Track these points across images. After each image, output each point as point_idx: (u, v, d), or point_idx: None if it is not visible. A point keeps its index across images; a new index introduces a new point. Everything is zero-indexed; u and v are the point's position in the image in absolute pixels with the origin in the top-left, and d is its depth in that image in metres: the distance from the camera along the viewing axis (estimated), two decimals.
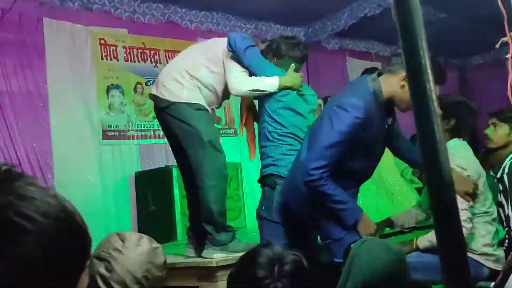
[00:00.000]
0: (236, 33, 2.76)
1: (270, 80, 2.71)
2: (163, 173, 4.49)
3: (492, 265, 2.50)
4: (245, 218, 4.89)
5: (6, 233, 0.41)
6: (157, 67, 5.11)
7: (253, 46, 2.77)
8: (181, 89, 2.73)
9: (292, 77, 2.74)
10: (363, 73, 2.66)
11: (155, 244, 1.43)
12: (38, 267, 0.42)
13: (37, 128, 4.31)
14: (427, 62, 0.73)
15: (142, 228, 4.55)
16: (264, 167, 2.78)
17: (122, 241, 1.38)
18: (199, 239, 2.73)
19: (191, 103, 2.72)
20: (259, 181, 2.85)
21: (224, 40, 2.86)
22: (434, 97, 0.72)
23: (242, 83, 2.71)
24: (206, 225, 2.64)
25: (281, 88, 2.70)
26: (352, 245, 1.65)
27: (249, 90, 2.74)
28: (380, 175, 4.14)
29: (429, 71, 0.72)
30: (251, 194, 5.45)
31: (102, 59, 4.77)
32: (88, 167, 4.45)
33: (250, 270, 1.13)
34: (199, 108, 2.74)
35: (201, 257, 2.65)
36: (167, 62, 5.16)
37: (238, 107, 5.59)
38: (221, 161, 2.72)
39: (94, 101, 4.67)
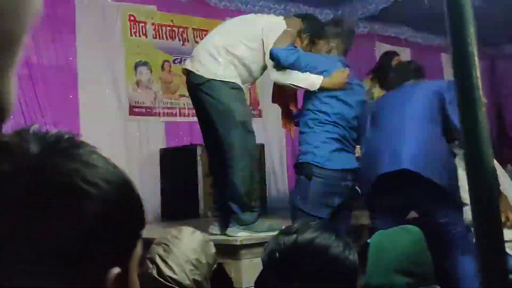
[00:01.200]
0: (277, 48, 2.65)
1: (314, 79, 2.69)
2: (187, 151, 4.54)
3: None
4: (267, 200, 4.91)
5: (73, 198, 0.43)
6: (184, 45, 5.12)
7: (297, 58, 2.68)
8: (217, 65, 2.71)
9: (337, 78, 2.71)
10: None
11: (207, 238, 1.62)
12: (101, 231, 0.44)
13: (66, 101, 4.39)
14: (474, 49, 0.72)
15: (166, 204, 4.63)
16: (302, 153, 2.78)
17: (179, 230, 1.59)
18: (224, 217, 2.77)
19: (227, 81, 2.70)
20: (294, 167, 2.86)
21: (265, 17, 2.83)
22: (480, 85, 0.71)
23: (285, 75, 2.70)
24: (232, 204, 2.66)
25: (322, 89, 2.69)
26: (369, 241, 1.65)
27: (289, 83, 2.73)
28: None
29: (476, 59, 0.72)
30: (273, 175, 5.47)
31: (131, 35, 4.80)
32: (115, 142, 4.51)
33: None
34: (234, 87, 2.72)
35: (225, 235, 2.69)
36: (195, 41, 5.18)
37: (263, 89, 5.57)
38: (252, 142, 2.73)
39: (122, 77, 4.71)
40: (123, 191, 0.47)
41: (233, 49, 2.73)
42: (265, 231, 2.55)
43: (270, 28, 2.73)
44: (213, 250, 1.59)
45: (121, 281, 0.46)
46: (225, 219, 2.75)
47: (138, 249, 0.49)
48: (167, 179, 4.67)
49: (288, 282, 1.12)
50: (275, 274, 1.16)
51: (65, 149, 0.45)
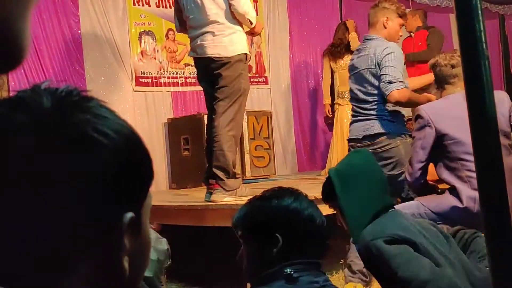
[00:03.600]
0: None
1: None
2: (195, 120, 4.55)
3: None
4: (275, 166, 4.95)
5: (86, 147, 0.45)
6: None
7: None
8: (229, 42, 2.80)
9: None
10: None
11: (160, 236, 1.58)
12: (113, 178, 0.46)
13: (72, 73, 4.39)
14: (478, 2, 0.72)
15: (175, 173, 4.68)
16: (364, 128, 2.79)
17: None
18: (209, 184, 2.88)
19: (241, 53, 2.81)
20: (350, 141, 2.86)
21: None
22: (483, 38, 0.70)
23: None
24: (218, 171, 2.75)
25: None
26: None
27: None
28: None
29: (480, 11, 0.71)
30: (280, 142, 5.50)
31: (134, 4, 4.75)
32: (122, 113, 4.50)
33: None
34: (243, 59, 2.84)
35: (211, 201, 2.79)
36: None
37: (268, 55, 5.53)
38: (242, 113, 2.84)
39: (127, 47, 4.70)
40: (132, 141, 0.49)
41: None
42: (247, 195, 2.61)
43: None
44: (165, 247, 1.56)
45: (135, 226, 0.48)
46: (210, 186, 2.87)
47: (149, 200, 0.51)
48: (175, 148, 4.70)
49: (271, 242, 1.24)
50: (256, 236, 1.28)
51: (76, 102, 0.47)
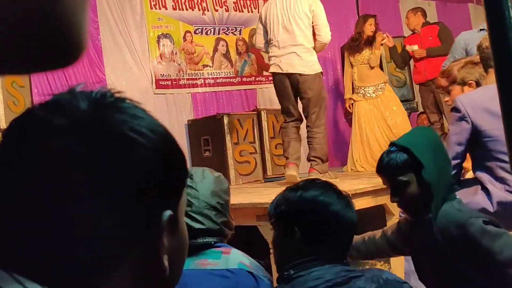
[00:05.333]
0: None
1: None
2: (215, 121, 4.57)
3: None
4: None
5: (124, 146, 0.46)
6: (204, 15, 5.09)
7: None
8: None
9: None
10: None
11: (217, 173, 1.52)
12: (152, 175, 0.47)
13: (93, 79, 4.46)
14: None
15: None
16: None
17: (190, 178, 1.46)
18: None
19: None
20: None
21: None
22: None
23: None
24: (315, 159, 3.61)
25: None
26: None
27: None
28: None
29: (510, 4, 0.70)
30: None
31: (151, 8, 4.80)
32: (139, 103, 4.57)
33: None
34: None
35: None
36: (215, 9, 5.14)
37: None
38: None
39: (146, 50, 4.74)
40: (167, 140, 0.50)
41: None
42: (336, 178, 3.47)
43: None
44: (226, 185, 1.52)
45: (173, 224, 0.49)
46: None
47: (184, 197, 0.52)
48: (196, 149, 4.73)
49: (291, 233, 1.24)
50: (279, 226, 1.29)
51: (111, 103, 0.48)
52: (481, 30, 2.93)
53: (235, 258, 1.37)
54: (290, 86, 3.45)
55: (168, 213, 0.48)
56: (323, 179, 2.86)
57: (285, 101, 3.55)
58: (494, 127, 2.10)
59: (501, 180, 2.13)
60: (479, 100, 2.15)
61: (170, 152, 0.49)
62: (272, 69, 3.51)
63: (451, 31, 4.82)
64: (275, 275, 1.35)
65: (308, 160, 3.59)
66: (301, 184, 1.31)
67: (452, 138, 2.20)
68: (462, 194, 2.23)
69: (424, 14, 5.02)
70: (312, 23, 3.40)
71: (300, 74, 3.39)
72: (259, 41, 3.64)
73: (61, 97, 0.48)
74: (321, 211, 1.23)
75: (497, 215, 2.07)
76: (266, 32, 3.55)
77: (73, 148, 0.44)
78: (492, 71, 2.25)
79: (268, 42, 3.56)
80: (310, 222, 1.23)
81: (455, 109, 2.19)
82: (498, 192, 2.12)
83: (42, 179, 0.44)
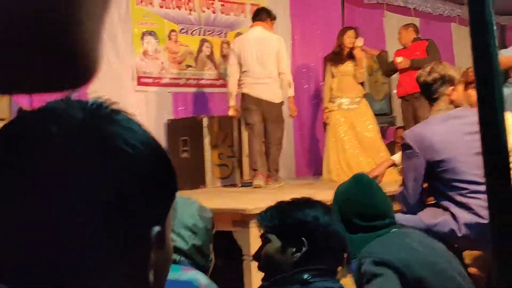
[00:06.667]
0: None
1: None
2: (195, 122, 4.55)
3: None
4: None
5: (117, 159, 0.45)
6: (191, 15, 5.07)
7: None
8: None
9: None
10: None
11: (202, 204, 1.53)
12: (143, 190, 0.47)
13: None
14: (492, 19, 0.72)
15: None
16: None
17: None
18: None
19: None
20: None
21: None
22: (497, 54, 0.71)
23: None
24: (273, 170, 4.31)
25: None
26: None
27: None
28: None
29: (495, 28, 0.71)
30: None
31: (137, 4, 4.76)
32: (134, 115, 4.52)
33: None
34: None
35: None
36: (202, 10, 5.13)
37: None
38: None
39: (129, 46, 4.70)
40: (159, 154, 0.50)
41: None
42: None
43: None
44: (209, 214, 1.52)
45: (161, 239, 0.49)
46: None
47: (172, 211, 0.52)
48: (174, 150, 4.69)
49: (297, 246, 1.33)
50: (283, 238, 1.35)
51: (107, 115, 0.48)
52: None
53: (192, 274, 1.35)
54: (258, 108, 4.12)
55: (156, 228, 0.48)
56: (277, 186, 4.07)
57: (252, 119, 4.16)
58: (445, 155, 2.19)
59: (463, 206, 2.19)
60: (425, 134, 2.25)
61: (161, 166, 0.49)
62: (245, 90, 4.13)
63: (438, 49, 4.93)
64: (249, 279, 1.37)
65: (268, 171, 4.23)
66: (301, 201, 1.41)
67: (409, 176, 2.27)
68: (431, 213, 2.28)
69: (416, 30, 5.11)
70: (277, 58, 4.11)
71: (268, 101, 4.09)
72: (233, 69, 4.23)
73: (58, 105, 0.47)
74: (327, 229, 1.34)
75: (465, 237, 2.13)
76: (239, 64, 4.18)
77: (65, 157, 0.44)
78: (437, 104, 2.30)
79: (241, 73, 4.18)
80: (317, 238, 1.32)
81: (406, 146, 2.27)
82: (464, 215, 2.18)
83: (34, 187, 0.44)
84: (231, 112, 4.31)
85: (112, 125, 0.47)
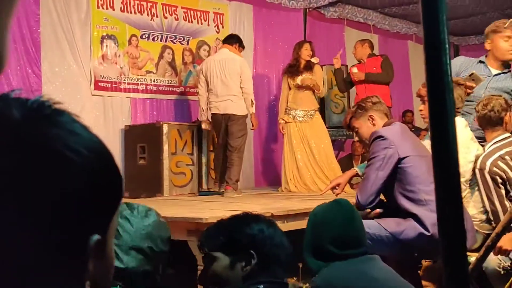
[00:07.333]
0: None
1: None
2: (153, 129, 4.48)
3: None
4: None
5: (56, 164, 0.42)
6: (153, 20, 5.02)
7: None
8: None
9: None
10: None
11: (163, 219, 1.37)
12: (82, 198, 0.44)
13: (28, 73, 4.24)
14: (446, 37, 0.74)
15: (129, 182, 4.57)
16: None
17: (131, 210, 1.32)
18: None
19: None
20: None
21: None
22: (450, 72, 0.73)
23: None
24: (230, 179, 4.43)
25: None
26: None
27: None
28: None
29: (447, 46, 0.73)
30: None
31: (98, 7, 4.66)
32: (79, 117, 4.40)
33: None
34: None
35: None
36: (164, 16, 5.08)
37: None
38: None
39: (87, 50, 4.59)
40: (104, 160, 0.47)
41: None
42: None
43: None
44: (168, 233, 1.36)
45: (101, 248, 0.46)
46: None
47: (115, 220, 0.49)
48: (131, 156, 4.60)
49: (245, 260, 1.35)
50: (231, 253, 1.36)
51: (48, 116, 0.44)
52: (480, 62, 3.06)
53: None
54: (224, 122, 4.44)
55: (96, 237, 0.45)
56: (235, 195, 4.20)
57: (220, 134, 4.51)
58: (412, 154, 2.26)
59: (425, 202, 2.21)
60: (395, 132, 2.35)
61: (105, 173, 0.46)
62: (213, 110, 4.49)
63: (392, 64, 5.09)
64: None
65: (226, 179, 4.42)
66: (243, 217, 1.43)
67: (376, 164, 2.28)
68: (395, 223, 2.29)
69: (371, 46, 5.26)
70: (240, 78, 4.42)
71: (233, 114, 4.42)
72: (202, 90, 4.53)
73: None
74: (273, 241, 1.37)
75: (433, 237, 2.15)
76: (206, 82, 4.49)
77: None
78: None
79: (208, 91, 4.49)
80: (265, 251, 1.35)
81: (380, 137, 2.31)
82: (428, 214, 2.19)
83: None
84: (204, 126, 4.61)
85: (54, 127, 0.43)
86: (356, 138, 2.67)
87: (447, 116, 0.73)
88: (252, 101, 4.48)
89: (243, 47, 4.69)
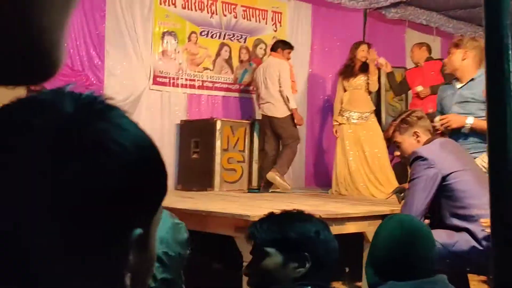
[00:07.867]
0: None
1: None
2: (208, 124, 4.56)
3: None
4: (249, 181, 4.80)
5: (102, 158, 0.43)
6: (212, 18, 5.09)
7: None
8: None
9: None
10: None
11: (178, 220, 1.30)
12: (126, 192, 0.44)
13: (91, 65, 4.43)
14: (509, 42, 0.70)
15: (181, 175, 4.68)
16: None
17: None
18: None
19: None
20: None
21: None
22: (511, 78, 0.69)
23: None
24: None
25: None
26: None
27: None
28: None
29: (510, 52, 0.70)
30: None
31: (161, 4, 4.79)
32: (137, 109, 4.56)
33: None
34: None
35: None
36: (224, 14, 5.15)
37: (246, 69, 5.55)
38: None
39: (148, 45, 4.73)
40: (149, 156, 0.47)
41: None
42: None
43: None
44: (185, 235, 1.26)
45: (142, 243, 0.47)
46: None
47: (159, 214, 0.50)
48: (185, 150, 4.71)
49: (300, 261, 1.30)
50: (285, 252, 1.31)
51: (99, 111, 0.46)
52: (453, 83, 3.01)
53: None
54: (269, 124, 4.67)
55: (138, 231, 0.45)
56: (278, 179, 4.42)
57: (267, 134, 4.75)
58: (457, 170, 2.19)
59: (477, 217, 2.14)
60: (437, 150, 2.28)
61: (149, 168, 0.47)
62: (260, 111, 4.81)
63: None
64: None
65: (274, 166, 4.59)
66: (299, 215, 1.38)
67: (420, 186, 2.22)
68: (446, 235, 2.22)
69: (429, 50, 5.08)
70: (279, 81, 4.63)
71: (274, 117, 4.63)
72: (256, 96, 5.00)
73: (47, 96, 0.45)
74: (327, 246, 1.33)
75: (485, 252, 2.08)
76: (256, 88, 4.89)
77: (43, 151, 0.42)
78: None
79: (257, 96, 4.93)
80: (318, 254, 1.30)
81: (420, 158, 2.25)
82: (480, 230, 2.14)
83: (8, 185, 0.42)
84: None
85: (102, 121, 0.44)
86: (397, 153, 2.57)
87: (505, 124, 0.70)
88: (288, 96, 4.58)
89: (290, 47, 4.77)
